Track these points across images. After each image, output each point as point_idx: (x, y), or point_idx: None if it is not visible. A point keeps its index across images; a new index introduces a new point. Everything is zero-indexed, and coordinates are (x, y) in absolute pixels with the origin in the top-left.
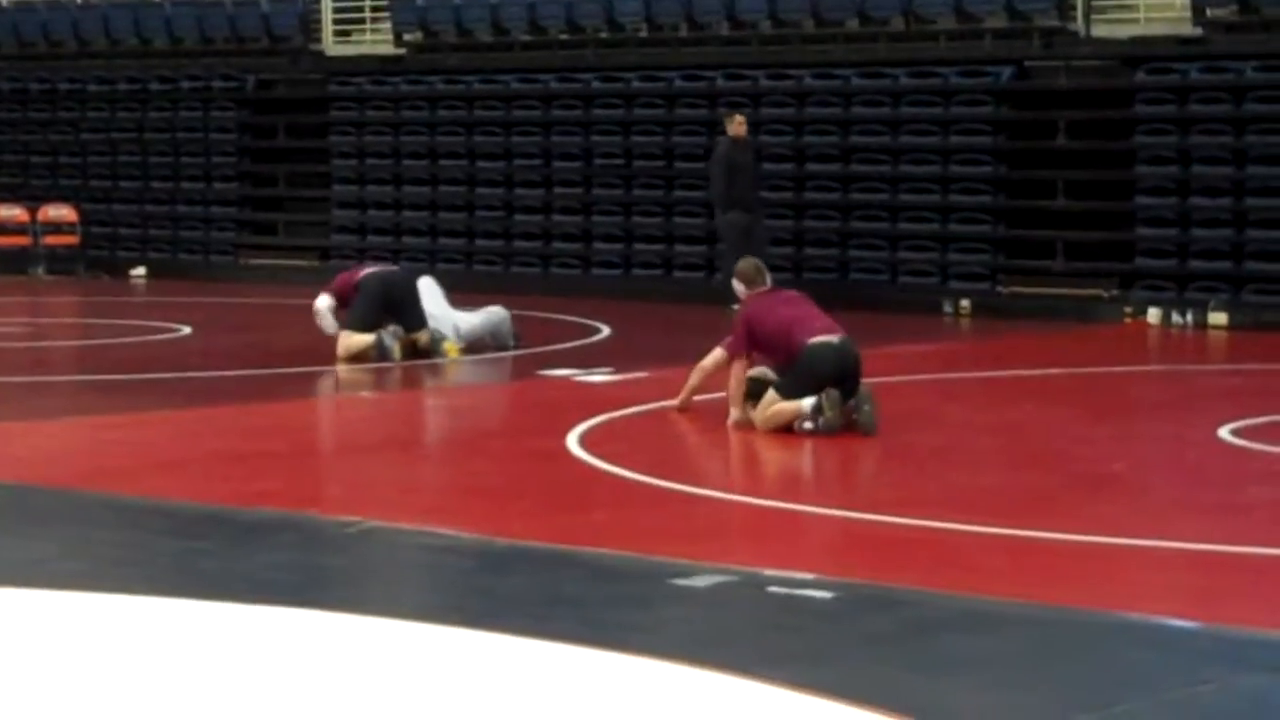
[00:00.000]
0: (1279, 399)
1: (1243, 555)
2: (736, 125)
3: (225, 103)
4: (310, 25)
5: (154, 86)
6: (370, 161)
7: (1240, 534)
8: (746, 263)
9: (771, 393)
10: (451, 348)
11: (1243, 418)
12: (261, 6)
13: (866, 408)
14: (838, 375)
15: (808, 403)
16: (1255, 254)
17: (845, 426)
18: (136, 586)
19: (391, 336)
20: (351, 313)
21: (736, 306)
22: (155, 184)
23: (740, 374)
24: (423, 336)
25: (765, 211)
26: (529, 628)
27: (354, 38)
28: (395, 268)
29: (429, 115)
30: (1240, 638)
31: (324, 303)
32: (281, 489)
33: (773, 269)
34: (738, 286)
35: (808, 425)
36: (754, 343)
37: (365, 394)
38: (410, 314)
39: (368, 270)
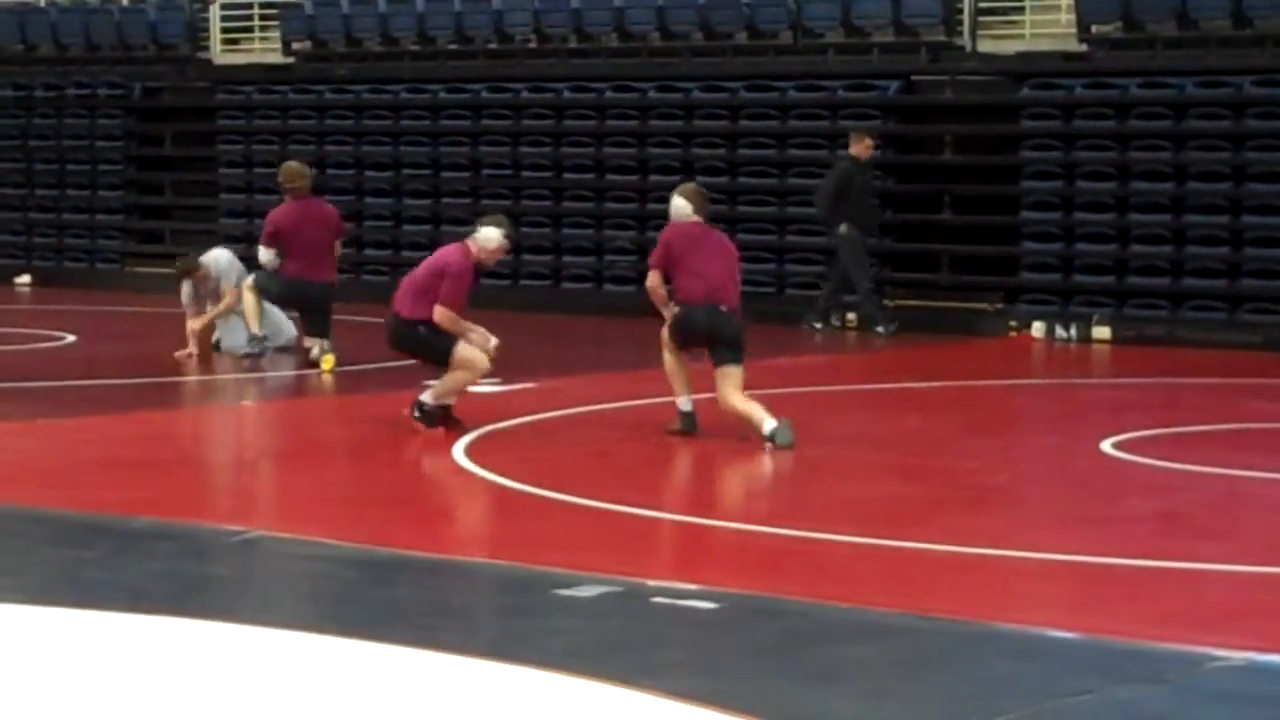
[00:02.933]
0: (1161, 413)
1: (1122, 567)
2: (863, 146)
3: (111, 110)
4: (198, 33)
5: (39, 93)
6: (258, 170)
7: (1119, 546)
8: (694, 189)
9: (737, 377)
10: (329, 360)
11: (1125, 431)
12: (149, 14)
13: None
14: (707, 339)
15: (769, 425)
16: (1138, 269)
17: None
18: (15, 595)
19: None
20: (270, 281)
21: (880, 330)
22: (40, 191)
23: (656, 282)
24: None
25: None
26: (412, 638)
27: (242, 46)
28: (322, 279)
29: (317, 124)
30: (1118, 649)
31: (268, 256)
32: (164, 498)
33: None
34: (680, 206)
35: (766, 446)
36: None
37: (250, 403)
38: (319, 323)
39: (305, 277)
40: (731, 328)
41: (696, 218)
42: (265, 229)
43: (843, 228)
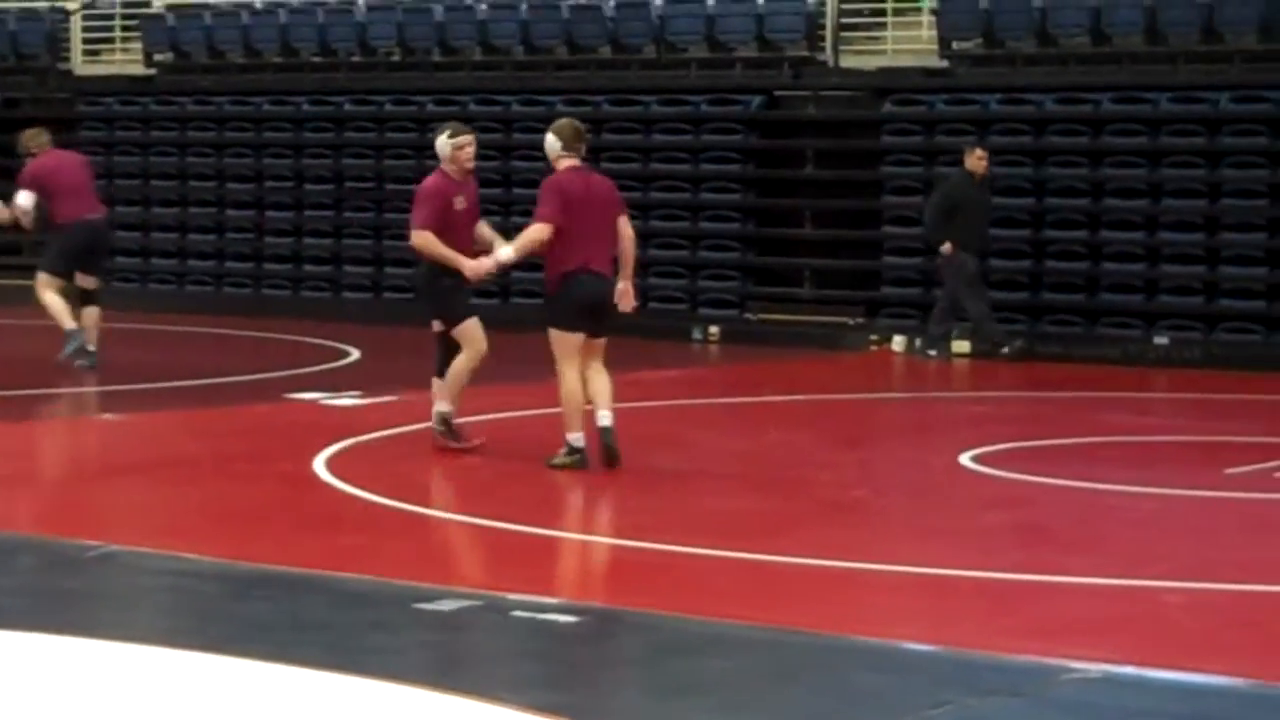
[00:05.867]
0: (1019, 426)
1: (979, 579)
2: (976, 159)
3: None
4: (59, 44)
5: None
6: (119, 182)
7: (978, 559)
8: (570, 124)
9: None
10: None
11: (983, 444)
12: (9, 24)
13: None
14: (591, 310)
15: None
16: (997, 283)
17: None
18: None
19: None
20: (51, 253)
21: (1005, 351)
22: None
23: (543, 236)
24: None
25: (985, 254)
26: (272, 653)
27: (103, 57)
28: (97, 215)
29: (179, 136)
30: (976, 661)
31: (28, 200)
32: (20, 511)
33: (523, 294)
34: (552, 144)
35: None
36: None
37: (109, 416)
38: (99, 262)
39: (85, 217)
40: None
41: (577, 161)
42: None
43: (945, 248)
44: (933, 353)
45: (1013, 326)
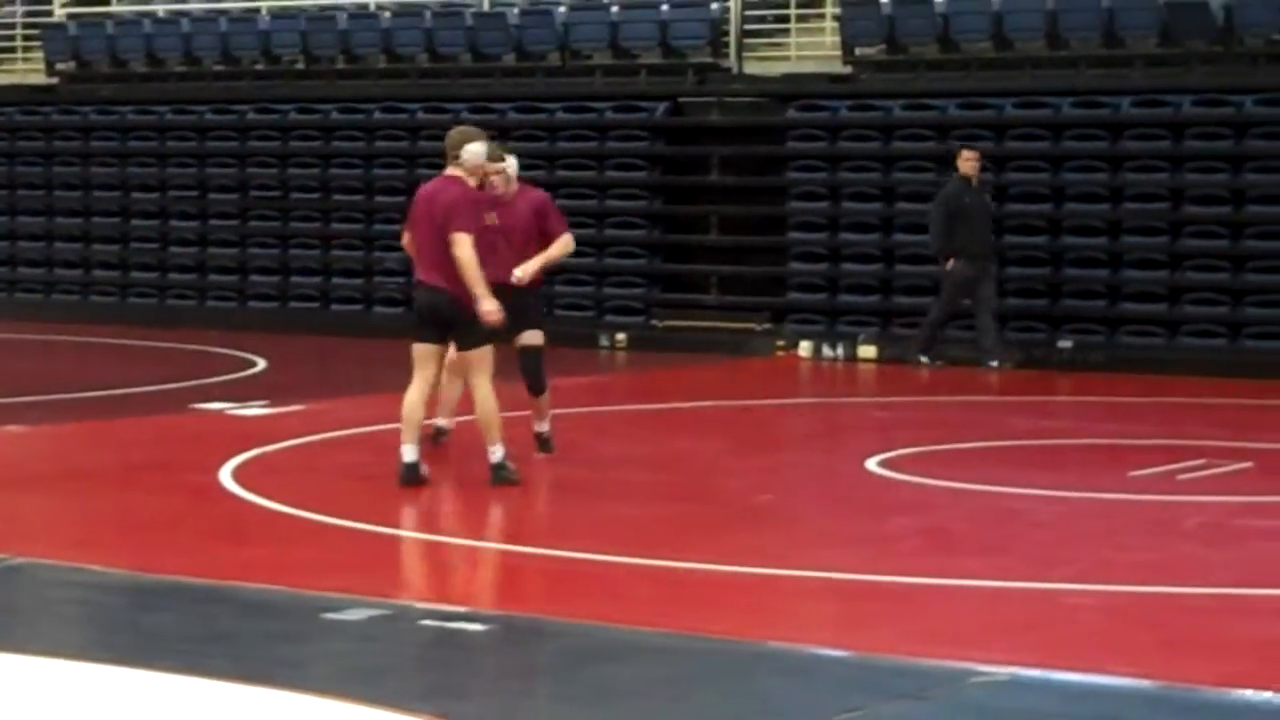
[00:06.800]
0: (925, 431)
1: (887, 584)
2: (965, 161)
3: None
4: None
5: None
6: (21, 193)
7: (884, 563)
8: (480, 137)
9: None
10: None
11: (890, 449)
12: None
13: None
14: (427, 323)
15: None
16: (903, 289)
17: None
18: None
19: None
20: None
21: (924, 360)
22: None
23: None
24: None
25: (994, 263)
26: (179, 664)
27: (4, 67)
28: None
29: (82, 146)
30: (884, 666)
31: None
32: None
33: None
34: (474, 151)
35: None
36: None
37: (12, 428)
38: None
39: None
40: (444, 316)
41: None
42: None
43: (951, 263)
44: (924, 359)
45: (918, 332)
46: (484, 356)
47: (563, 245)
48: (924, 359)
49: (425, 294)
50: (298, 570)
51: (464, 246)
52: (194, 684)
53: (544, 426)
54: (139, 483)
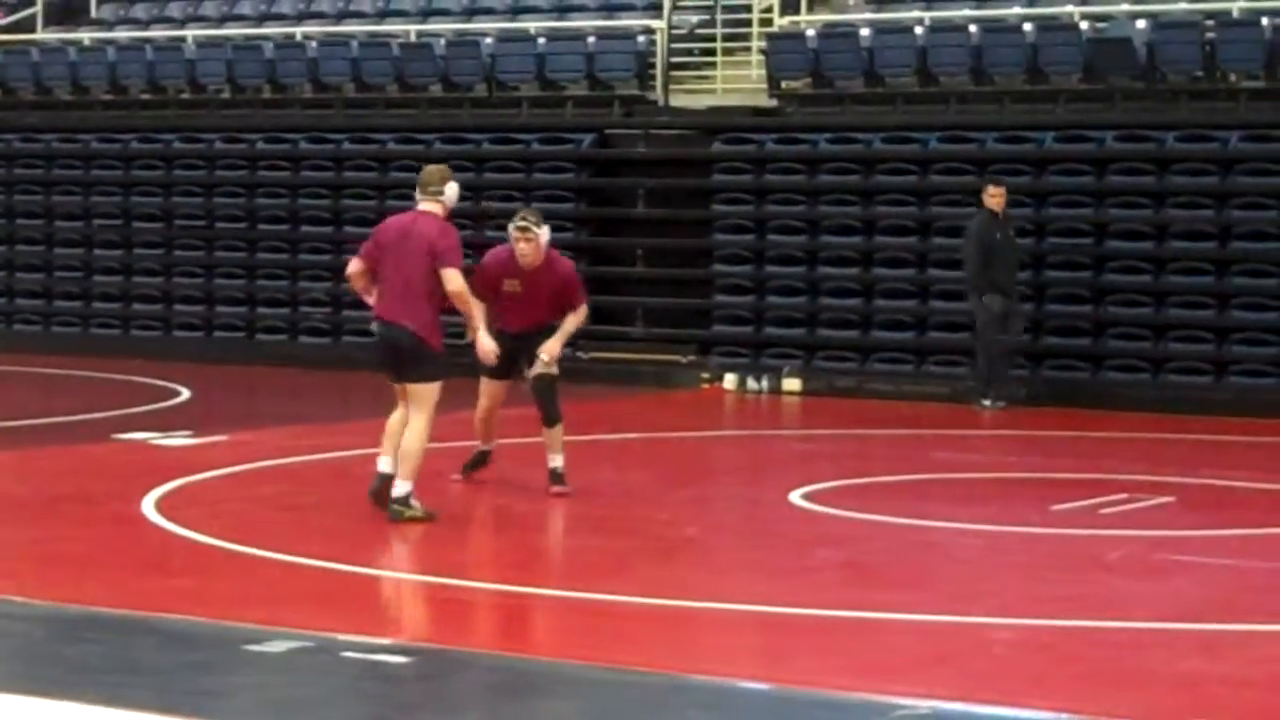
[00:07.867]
0: (849, 464)
1: (809, 617)
2: (992, 197)
3: None
4: None
5: None
6: None
7: (808, 596)
8: (445, 173)
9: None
10: None
11: (814, 482)
12: None
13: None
14: (385, 363)
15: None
16: (828, 322)
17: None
18: None
19: None
20: None
21: (986, 404)
22: None
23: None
24: None
25: (1019, 295)
26: (101, 696)
27: None
28: None
29: (6, 174)
30: (806, 699)
31: None
32: None
33: (312, 332)
34: (456, 190)
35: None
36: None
37: None
38: None
39: None
40: (400, 350)
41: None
42: None
43: (985, 298)
44: (986, 403)
45: (843, 365)
46: (433, 393)
47: (579, 318)
48: (986, 403)
49: (384, 330)
50: (220, 601)
51: (459, 280)
52: (117, 716)
53: (557, 461)
54: (61, 513)
